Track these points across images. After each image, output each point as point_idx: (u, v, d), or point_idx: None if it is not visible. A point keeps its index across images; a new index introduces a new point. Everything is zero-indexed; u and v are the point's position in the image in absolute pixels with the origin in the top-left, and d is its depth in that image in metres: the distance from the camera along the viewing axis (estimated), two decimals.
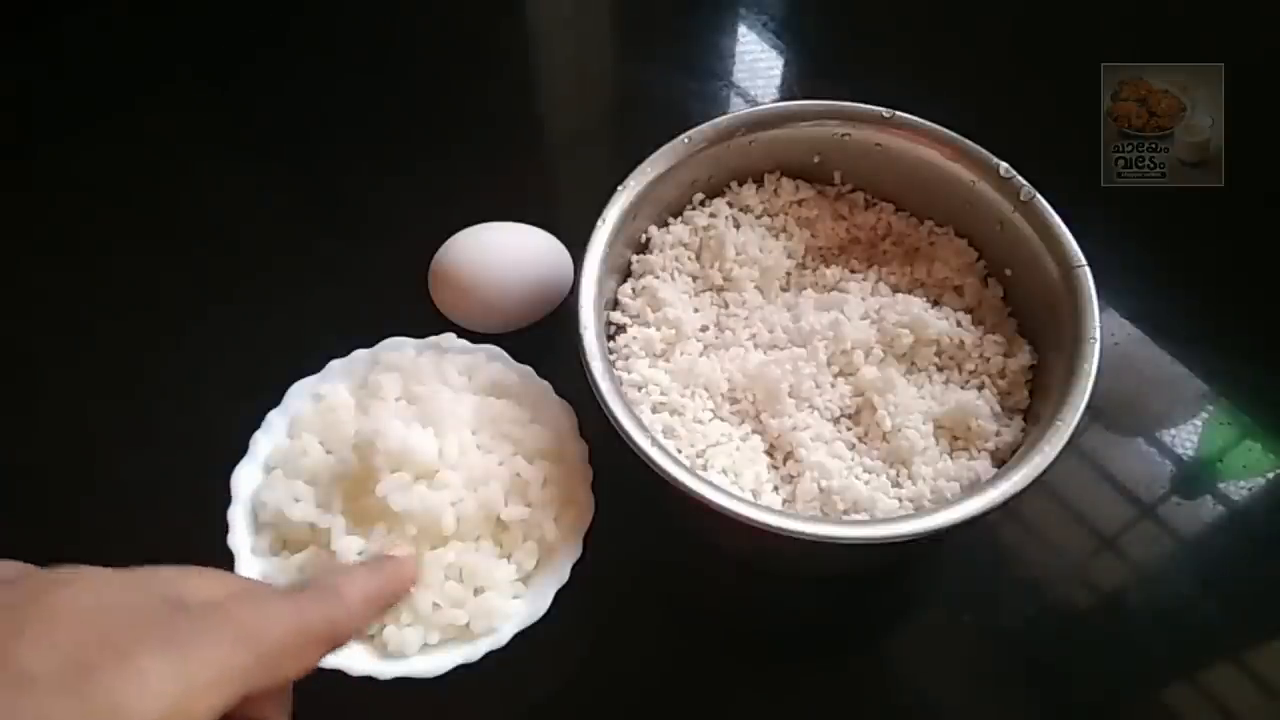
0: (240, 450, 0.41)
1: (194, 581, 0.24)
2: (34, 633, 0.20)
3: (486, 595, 0.38)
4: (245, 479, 0.40)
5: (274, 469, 0.41)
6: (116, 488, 0.46)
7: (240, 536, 0.39)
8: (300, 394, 0.43)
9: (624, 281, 0.46)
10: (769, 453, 0.41)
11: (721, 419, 0.42)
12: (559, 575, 0.39)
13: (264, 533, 0.40)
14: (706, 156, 0.45)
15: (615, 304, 0.45)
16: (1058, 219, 0.41)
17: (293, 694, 0.26)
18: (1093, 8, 0.65)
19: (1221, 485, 0.48)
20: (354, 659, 0.37)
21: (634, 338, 0.43)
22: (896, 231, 0.47)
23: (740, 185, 0.47)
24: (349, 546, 0.37)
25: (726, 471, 0.40)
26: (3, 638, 0.20)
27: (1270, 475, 0.48)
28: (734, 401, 0.42)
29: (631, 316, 0.44)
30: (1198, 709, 0.43)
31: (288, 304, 0.52)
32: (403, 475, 0.38)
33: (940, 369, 0.44)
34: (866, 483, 0.40)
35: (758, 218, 0.47)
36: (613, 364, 0.40)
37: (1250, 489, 0.48)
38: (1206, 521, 0.47)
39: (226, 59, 0.62)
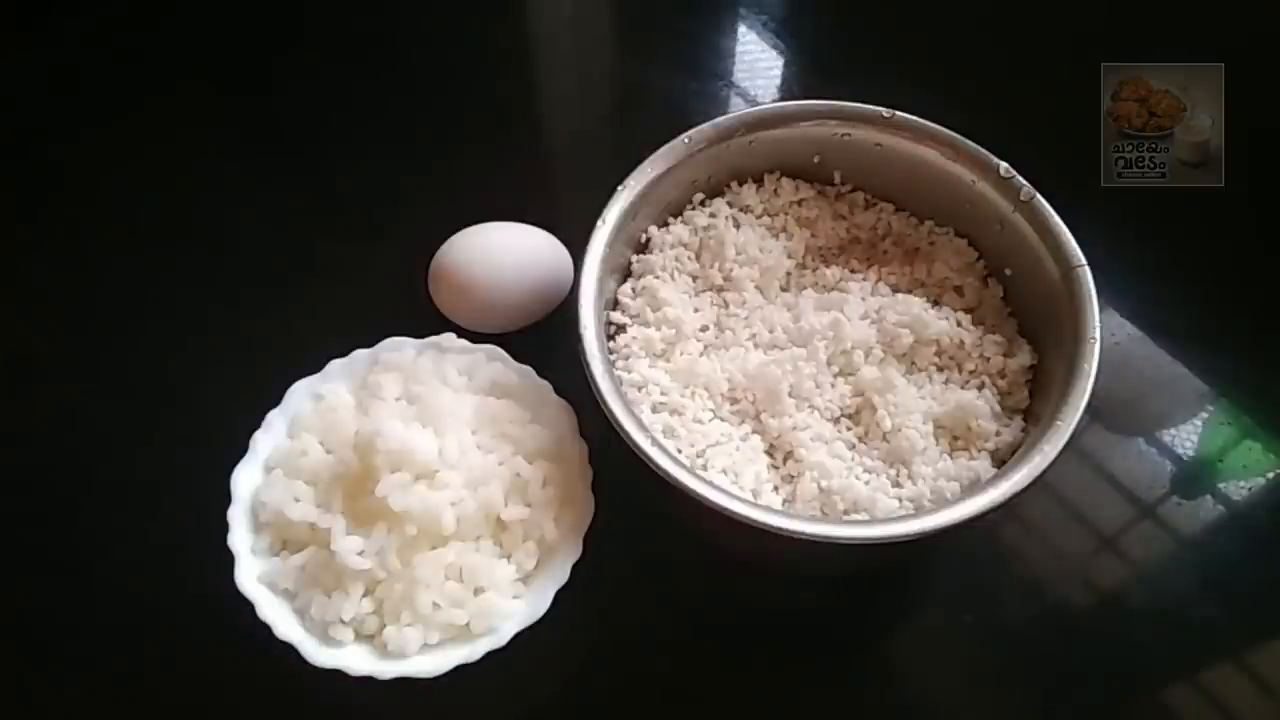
0: (240, 450, 0.41)
1: None
2: None
3: (486, 595, 0.38)
4: (245, 479, 0.40)
5: (274, 469, 0.41)
6: (116, 488, 0.46)
7: (240, 536, 0.39)
8: (300, 394, 0.43)
9: (624, 281, 0.46)
10: (769, 453, 0.41)
11: (721, 419, 0.42)
12: (559, 575, 0.39)
13: (264, 533, 0.40)
14: (706, 156, 0.45)
15: (615, 304, 0.45)
16: (1058, 219, 0.41)
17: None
18: (1093, 8, 0.65)
19: (1221, 485, 0.48)
20: (354, 659, 0.37)
21: (634, 338, 0.43)
22: (896, 231, 0.47)
23: (740, 185, 0.47)
24: (349, 546, 0.37)
25: (726, 471, 0.40)
26: None
27: (1270, 475, 0.48)
28: (734, 401, 0.42)
29: (631, 316, 0.44)
30: (1198, 709, 0.43)
31: (288, 304, 0.51)
32: (403, 475, 0.38)
33: (940, 369, 0.44)
34: (866, 483, 0.40)
35: (758, 218, 0.47)
36: (613, 364, 0.40)
37: (1250, 489, 0.48)
38: (1206, 521, 0.47)
39: (227, 62, 0.62)
